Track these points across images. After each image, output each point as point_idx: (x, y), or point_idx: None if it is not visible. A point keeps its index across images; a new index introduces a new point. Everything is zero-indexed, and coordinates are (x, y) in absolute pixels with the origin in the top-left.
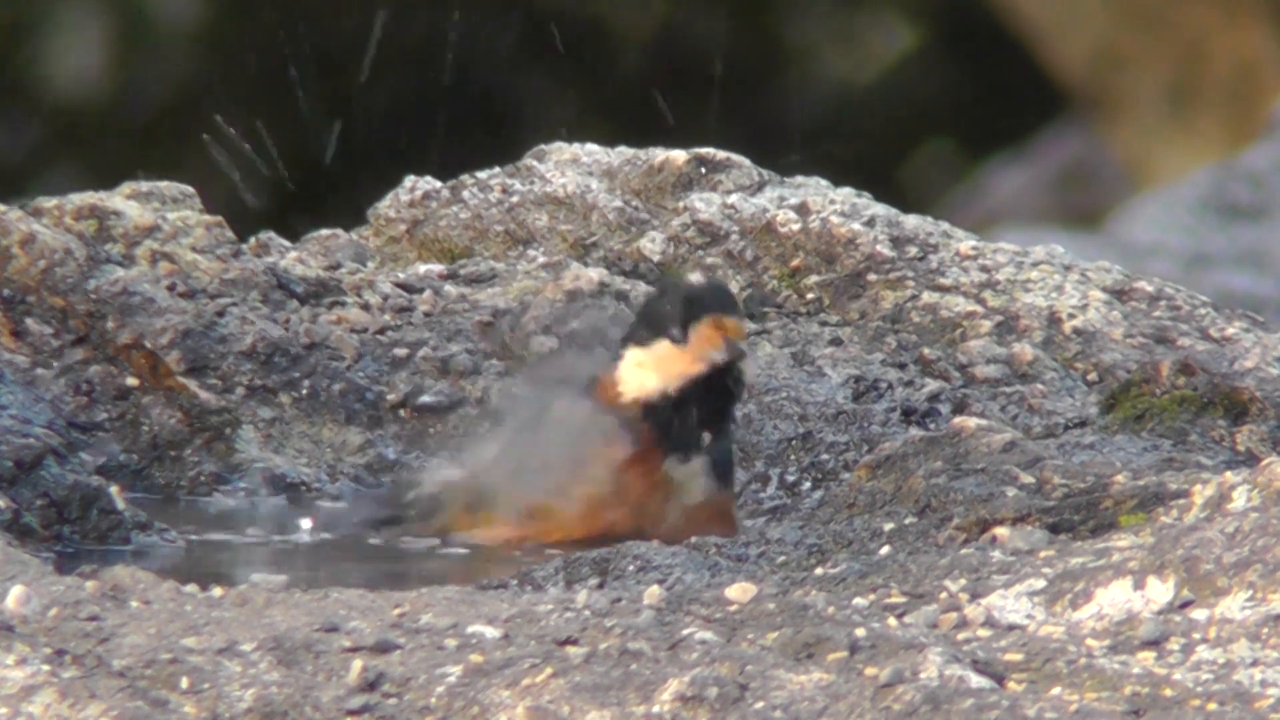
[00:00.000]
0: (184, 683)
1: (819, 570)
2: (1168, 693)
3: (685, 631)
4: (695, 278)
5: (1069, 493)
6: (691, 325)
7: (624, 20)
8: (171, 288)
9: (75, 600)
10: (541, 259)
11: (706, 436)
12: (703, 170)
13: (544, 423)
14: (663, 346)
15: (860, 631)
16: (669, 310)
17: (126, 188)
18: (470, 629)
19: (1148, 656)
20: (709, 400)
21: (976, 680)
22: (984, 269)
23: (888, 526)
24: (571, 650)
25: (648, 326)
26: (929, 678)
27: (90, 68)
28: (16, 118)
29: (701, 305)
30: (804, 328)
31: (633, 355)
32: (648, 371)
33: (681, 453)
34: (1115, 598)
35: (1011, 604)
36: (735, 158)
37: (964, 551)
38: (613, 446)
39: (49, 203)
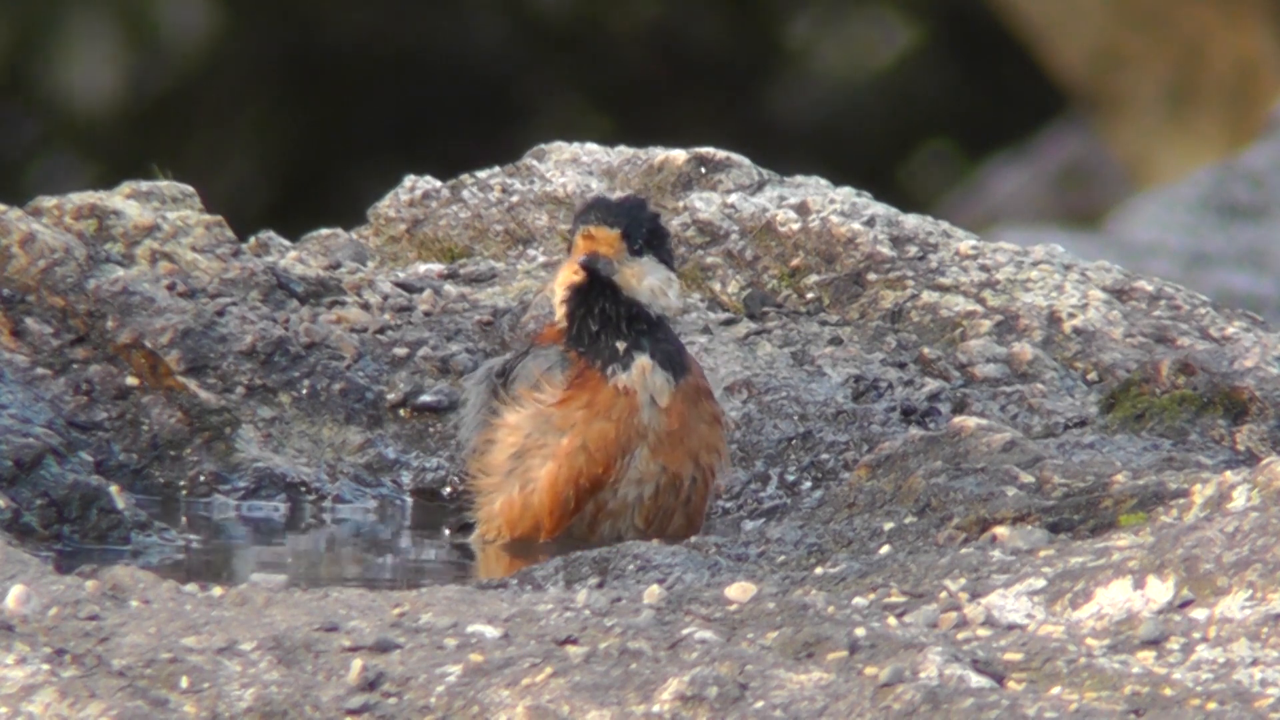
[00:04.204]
0: (184, 682)
1: (819, 570)
2: (1168, 692)
3: (685, 631)
4: (615, 194)
5: (1069, 492)
6: (574, 236)
7: (624, 20)
8: (171, 287)
9: (75, 600)
10: (541, 258)
11: (620, 345)
12: (703, 170)
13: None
14: (565, 260)
15: (860, 631)
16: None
17: (126, 187)
18: (470, 628)
19: (1148, 656)
20: (604, 308)
21: (976, 679)
22: (984, 268)
23: (888, 526)
24: (571, 650)
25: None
26: (929, 677)
27: (101, 77)
28: (26, 122)
29: (581, 217)
30: (804, 327)
31: (556, 274)
32: (556, 288)
33: (615, 362)
34: (1115, 597)
35: (1011, 603)
36: (735, 157)
37: (964, 551)
38: (549, 376)
39: (49, 202)
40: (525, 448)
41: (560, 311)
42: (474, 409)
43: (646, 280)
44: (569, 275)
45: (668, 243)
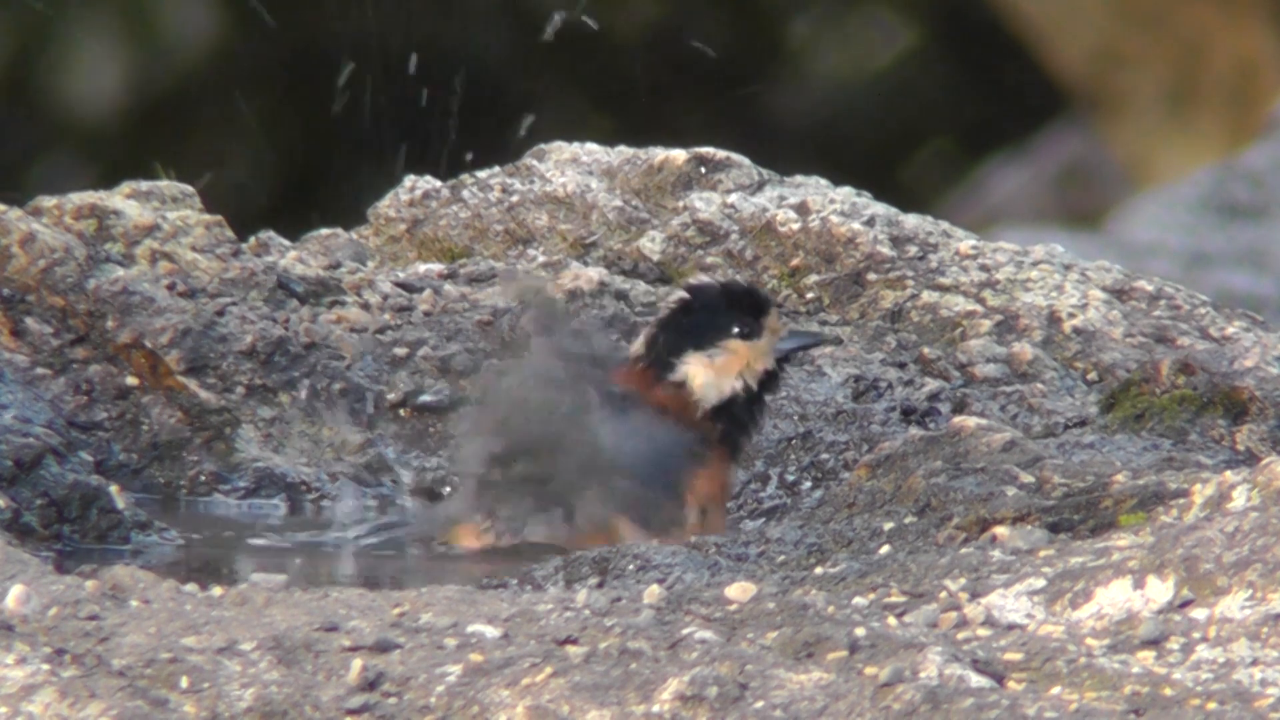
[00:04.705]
0: (184, 682)
1: (819, 570)
2: (1168, 692)
3: (685, 631)
4: (712, 277)
5: (1069, 492)
6: (763, 318)
7: (624, 20)
8: (171, 287)
9: (75, 600)
10: (541, 259)
11: (758, 429)
12: (702, 170)
13: (616, 437)
14: (734, 345)
15: (860, 631)
16: (725, 308)
17: (126, 187)
18: (470, 628)
19: (1148, 656)
20: (771, 390)
21: (976, 679)
22: (984, 268)
23: (887, 526)
24: (571, 649)
25: (700, 331)
26: (929, 677)
27: (102, 76)
28: (27, 125)
29: (763, 298)
30: (804, 327)
31: (697, 361)
32: (724, 375)
33: (739, 452)
34: (1115, 597)
35: (1011, 603)
36: (735, 157)
37: (964, 551)
38: (708, 475)
39: (49, 202)
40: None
41: (722, 393)
42: (649, 465)
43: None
44: (759, 362)
45: None
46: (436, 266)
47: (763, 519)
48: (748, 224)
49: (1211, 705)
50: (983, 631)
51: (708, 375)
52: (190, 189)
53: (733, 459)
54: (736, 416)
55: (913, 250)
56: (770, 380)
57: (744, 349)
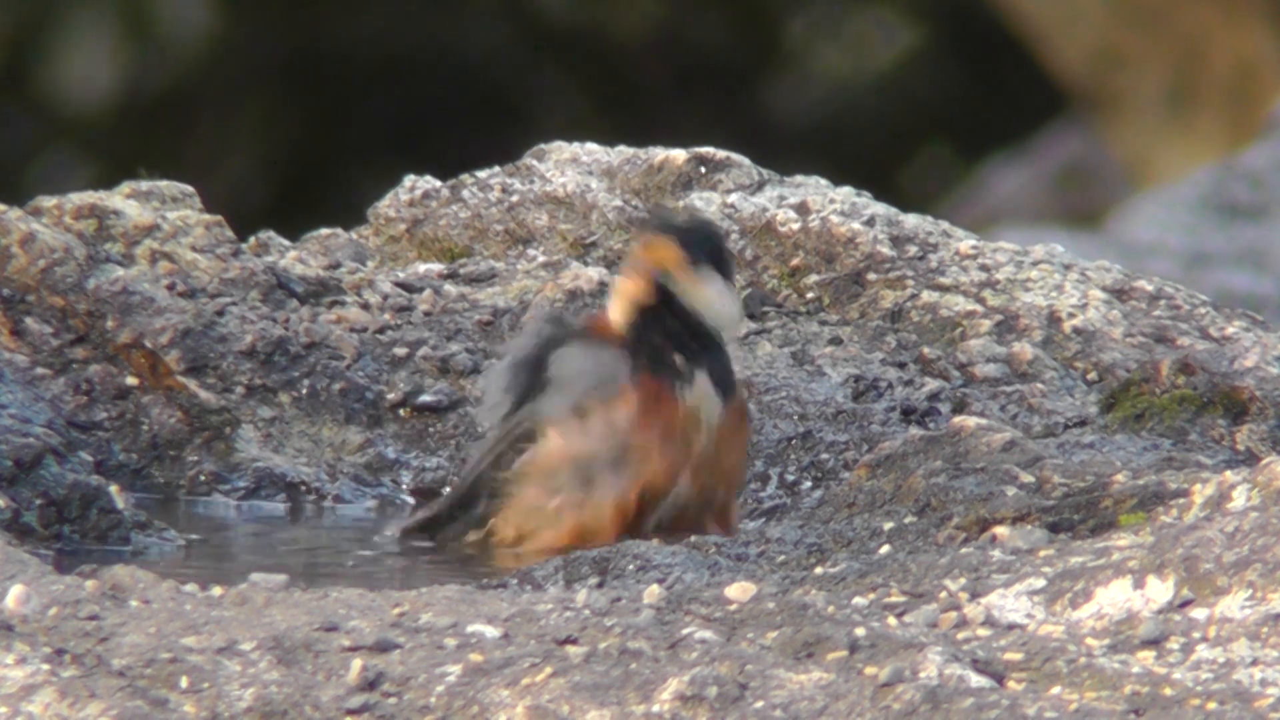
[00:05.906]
0: (184, 682)
1: (819, 569)
2: (1168, 692)
3: (685, 631)
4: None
5: (1069, 492)
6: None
7: (624, 20)
8: (171, 287)
9: (75, 600)
10: (541, 258)
11: (679, 359)
12: (702, 170)
13: (550, 376)
14: (620, 276)
15: (860, 631)
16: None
17: (126, 187)
18: (470, 628)
19: (1147, 656)
20: (665, 324)
21: (976, 679)
22: (984, 268)
23: (887, 526)
24: (571, 649)
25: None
26: (929, 677)
27: (100, 74)
28: (24, 120)
29: (643, 229)
30: (804, 327)
31: (614, 285)
32: (615, 301)
33: (681, 379)
34: (1115, 597)
35: (1011, 603)
36: (735, 157)
37: (964, 551)
38: (617, 377)
39: (49, 202)
40: (591, 464)
41: (618, 321)
42: (496, 403)
43: (704, 292)
44: (631, 288)
45: (728, 259)
46: (436, 266)
47: (763, 519)
48: (748, 224)
49: (1211, 705)
50: (983, 631)
51: (611, 302)
52: (190, 189)
53: (663, 378)
54: (639, 345)
55: (913, 250)
56: (648, 314)
57: (622, 280)
